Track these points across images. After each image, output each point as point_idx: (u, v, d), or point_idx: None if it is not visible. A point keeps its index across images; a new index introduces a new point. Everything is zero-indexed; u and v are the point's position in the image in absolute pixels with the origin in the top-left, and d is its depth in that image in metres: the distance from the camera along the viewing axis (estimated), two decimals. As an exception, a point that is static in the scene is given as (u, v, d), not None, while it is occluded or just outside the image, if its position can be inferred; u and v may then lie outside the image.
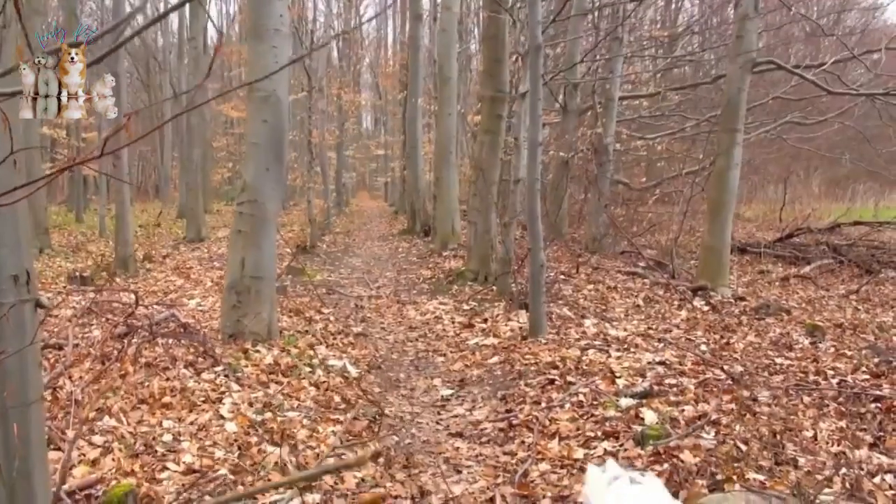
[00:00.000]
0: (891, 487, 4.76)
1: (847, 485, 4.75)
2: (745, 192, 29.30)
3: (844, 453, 5.40)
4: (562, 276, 13.20)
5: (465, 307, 11.31)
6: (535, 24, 8.84)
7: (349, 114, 35.94)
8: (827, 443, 5.65)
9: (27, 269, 2.75)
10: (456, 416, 6.93)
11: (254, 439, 5.75)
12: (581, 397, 6.88)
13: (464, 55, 23.84)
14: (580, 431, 6.18)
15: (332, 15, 33.19)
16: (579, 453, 5.77)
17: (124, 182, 14.21)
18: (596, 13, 17.59)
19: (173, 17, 34.46)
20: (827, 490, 4.61)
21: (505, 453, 5.98)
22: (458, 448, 6.14)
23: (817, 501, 4.38)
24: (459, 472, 5.70)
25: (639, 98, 19.41)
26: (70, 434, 5.67)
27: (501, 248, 12.04)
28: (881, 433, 5.81)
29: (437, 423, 6.84)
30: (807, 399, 6.62)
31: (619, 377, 7.29)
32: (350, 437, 6.14)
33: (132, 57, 39.68)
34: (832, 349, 8.54)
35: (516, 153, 11.64)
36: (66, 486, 4.54)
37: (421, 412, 7.14)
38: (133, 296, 8.75)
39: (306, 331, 9.45)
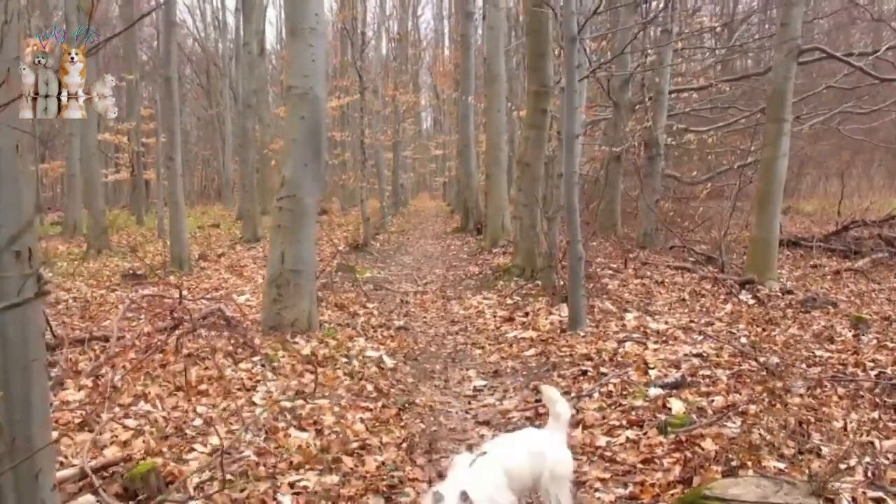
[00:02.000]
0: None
1: (869, 474, 4.68)
2: (805, 188, 28.74)
3: (872, 443, 5.31)
4: (609, 272, 13.14)
5: (509, 302, 11.35)
6: (570, 16, 8.85)
7: (406, 114, 36.16)
8: (856, 433, 5.55)
9: (29, 246, 2.88)
10: (485, 406, 6.98)
11: (281, 424, 5.89)
12: (611, 387, 6.88)
13: (516, 52, 23.82)
14: (605, 420, 6.19)
15: (385, 16, 33.54)
16: (602, 441, 5.79)
17: (177, 170, 14.53)
18: (644, 4, 17.38)
19: (230, 23, 35.14)
20: (847, 479, 4.54)
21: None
22: (483, 435, 6.19)
23: (830, 487, 4.32)
24: (483, 452, 5.75)
25: (690, 91, 19.16)
26: (104, 417, 5.90)
27: (546, 242, 12.03)
28: (915, 423, 5.71)
29: (467, 412, 6.90)
30: (841, 390, 6.51)
31: (653, 368, 7.26)
32: (377, 424, 6.24)
33: (193, 63, 40.57)
34: (875, 341, 8.36)
35: (560, 147, 11.62)
36: (92, 463, 4.72)
37: (452, 401, 7.21)
38: (177, 291, 9.01)
39: (347, 324, 9.60)
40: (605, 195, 18.54)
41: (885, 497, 4.34)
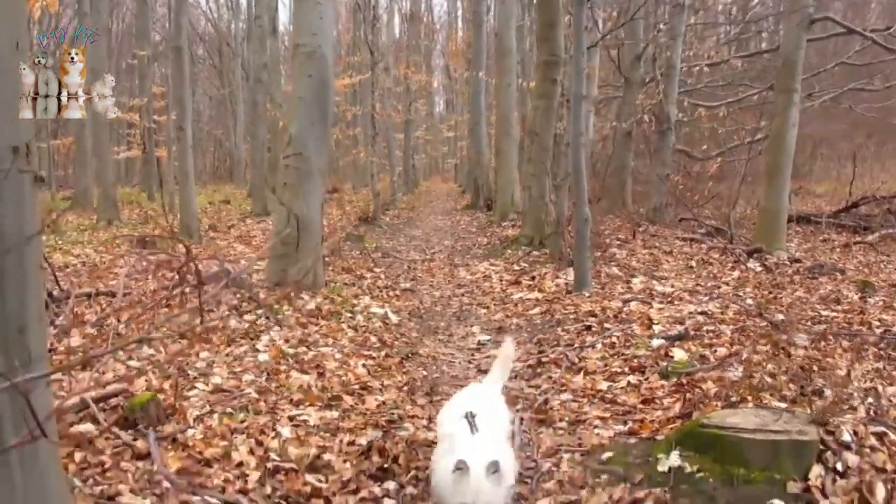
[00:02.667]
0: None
1: (872, 412, 4.66)
2: (817, 171, 28.57)
3: (876, 389, 5.29)
4: (617, 242, 13.11)
5: (515, 268, 11.35)
6: (579, -24, 8.81)
7: (418, 94, 36.10)
8: (860, 380, 5.53)
9: (27, 142, 2.87)
10: (489, 357, 6.98)
11: (283, 367, 5.91)
12: (614, 339, 6.88)
13: (530, 32, 23.72)
14: (607, 367, 6.19)
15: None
16: (603, 385, 5.79)
17: (187, 140, 14.57)
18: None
19: (242, 3, 35.13)
20: (849, 415, 4.53)
21: (530, 386, 6.04)
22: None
23: (831, 421, 4.31)
24: (482, 400, 5.77)
25: (701, 66, 19.05)
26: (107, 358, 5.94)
27: (554, 210, 12.01)
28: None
29: (469, 362, 6.93)
30: (846, 344, 6.48)
31: (657, 324, 7.25)
32: (379, 370, 6.26)
33: (206, 44, 40.62)
34: (881, 303, 8.33)
35: (569, 115, 11.59)
36: (92, 394, 4.75)
37: (455, 353, 7.23)
38: (185, 250, 9.04)
39: (353, 284, 9.62)
40: (615, 172, 18.49)
41: (887, 431, 4.33)
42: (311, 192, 8.72)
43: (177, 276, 8.83)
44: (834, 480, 3.78)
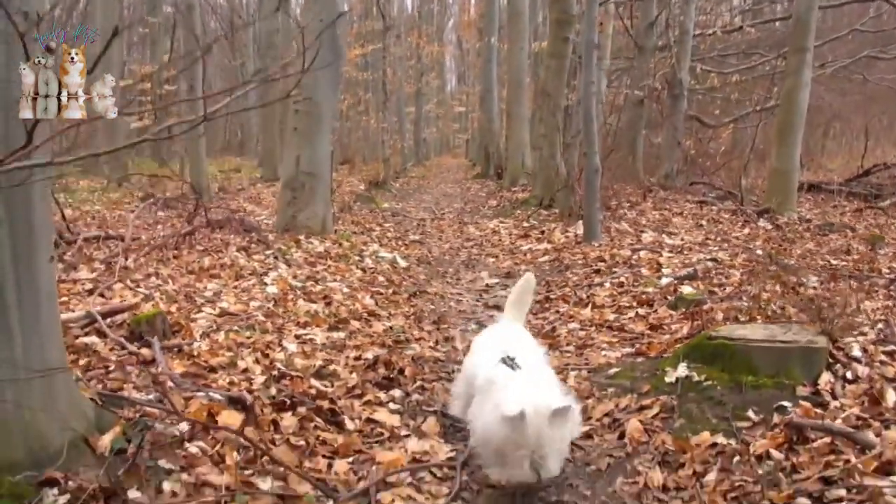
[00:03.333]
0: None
1: (882, 336, 4.61)
2: (829, 146, 28.32)
3: (887, 320, 5.24)
4: (627, 204, 13.03)
5: (525, 224, 11.31)
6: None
7: (429, 67, 35.98)
8: (870, 315, 5.48)
9: (37, 9, 2.82)
10: (496, 297, 6.97)
11: (290, 297, 5.90)
12: (623, 279, 6.85)
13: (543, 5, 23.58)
14: (615, 302, 6.17)
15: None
16: (610, 316, 5.77)
17: (198, 96, 14.48)
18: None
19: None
20: (859, 337, 4.48)
21: (538, 318, 6.01)
22: (492, 315, 6.19)
23: (842, 339, 4.27)
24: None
25: (715, 32, 18.88)
26: (115, 287, 5.94)
27: (565, 167, 11.95)
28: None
29: (477, 300, 6.90)
30: (855, 285, 6.42)
31: (666, 268, 7.21)
32: (388, 303, 6.25)
33: (218, 16, 40.45)
34: (891, 253, 8.26)
35: (581, 75, 11.50)
36: (98, 308, 4.75)
37: (463, 294, 7.22)
38: (195, 196, 9.03)
39: (363, 234, 9.60)
40: (626, 141, 18.37)
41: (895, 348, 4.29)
42: (320, 137, 8.69)
43: (186, 222, 8.86)
44: (843, 386, 3.74)
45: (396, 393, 4.13)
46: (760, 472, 3.06)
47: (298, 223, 8.56)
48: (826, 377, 3.78)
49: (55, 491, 2.61)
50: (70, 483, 2.62)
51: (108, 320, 4.70)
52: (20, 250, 2.77)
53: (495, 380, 3.16)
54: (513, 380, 3.08)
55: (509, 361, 3.20)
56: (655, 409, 3.87)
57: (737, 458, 3.20)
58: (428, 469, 3.28)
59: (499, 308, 6.38)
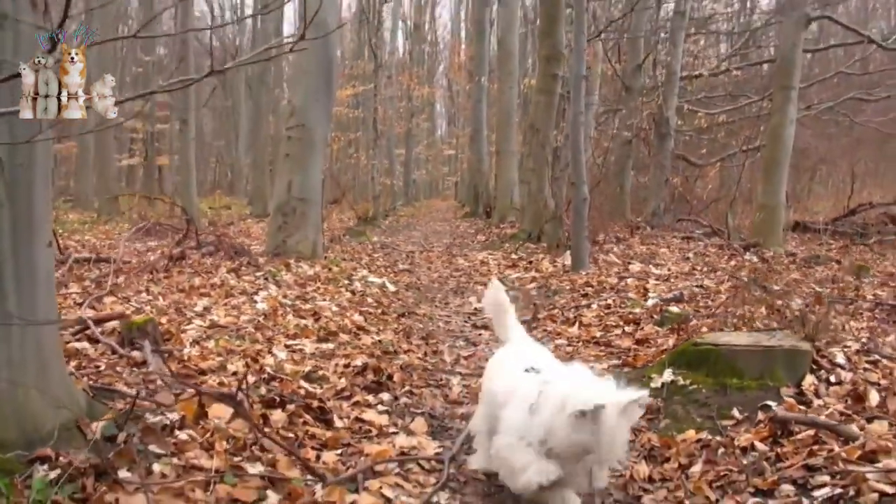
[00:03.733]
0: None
1: (865, 347, 4.67)
2: (816, 190, 28.59)
3: (871, 338, 5.30)
4: (614, 239, 13.13)
5: (513, 256, 11.38)
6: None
7: (420, 110, 36.32)
8: (854, 334, 5.56)
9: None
10: (484, 319, 6.99)
11: (280, 312, 5.93)
12: (609, 301, 6.91)
13: (531, 54, 23.89)
14: (602, 322, 6.22)
15: (403, 14, 33.58)
16: (597, 333, 5.82)
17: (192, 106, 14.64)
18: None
19: (248, 6, 35.43)
20: (845, 346, 4.55)
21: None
22: (480, 334, 6.24)
23: (826, 349, 4.33)
24: (476, 345, 5.81)
25: (702, 75, 19.18)
26: (106, 301, 5.97)
27: (553, 201, 12.06)
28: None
29: (465, 322, 6.94)
30: (840, 307, 6.51)
31: (652, 293, 7.27)
32: (377, 320, 6.28)
33: (211, 56, 40.86)
34: (876, 281, 8.37)
35: (568, 108, 11.66)
36: (90, 314, 4.78)
37: (452, 316, 7.26)
38: (186, 221, 9.09)
39: (352, 260, 9.65)
40: (614, 181, 18.54)
41: (880, 358, 4.35)
42: (312, 163, 8.78)
43: (176, 244, 8.91)
44: (827, 387, 3.80)
45: (385, 396, 4.15)
46: (745, 462, 3.10)
47: (289, 247, 8.61)
48: (810, 379, 3.83)
49: (45, 467, 2.62)
50: (61, 459, 2.63)
51: (100, 328, 4.72)
52: (20, 233, 2.82)
53: (517, 390, 2.80)
54: (558, 376, 2.75)
55: (533, 371, 2.85)
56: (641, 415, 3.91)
57: (721, 451, 3.24)
58: (416, 461, 3.30)
59: (487, 329, 6.44)
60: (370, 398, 4.08)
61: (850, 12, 25.31)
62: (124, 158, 33.23)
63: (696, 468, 3.15)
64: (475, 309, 7.60)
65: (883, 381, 3.89)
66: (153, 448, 2.98)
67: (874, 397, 3.62)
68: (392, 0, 26.33)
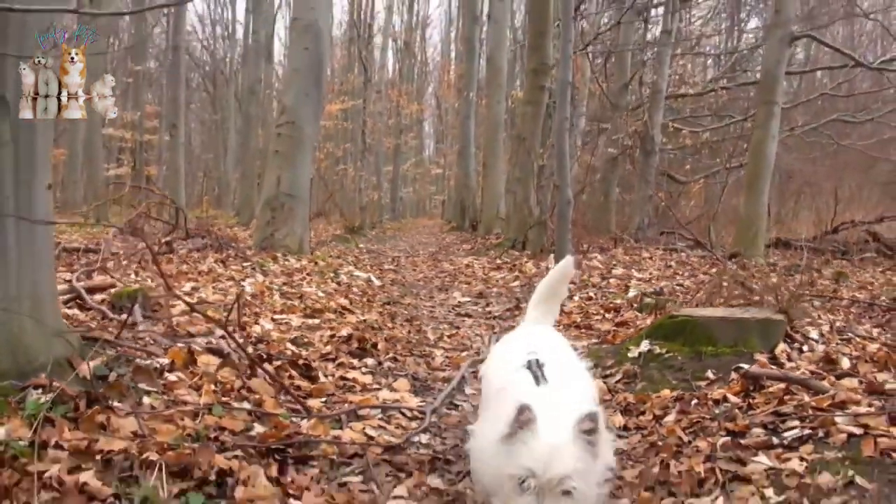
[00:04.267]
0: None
1: (839, 328, 4.79)
2: (800, 214, 28.85)
3: (846, 323, 5.43)
4: (599, 249, 13.26)
5: (498, 261, 11.48)
6: (569, -36, 9.12)
7: (408, 128, 36.55)
8: (830, 318, 5.69)
9: None
10: (468, 310, 7.11)
11: (266, 294, 6.01)
12: (591, 295, 7.03)
13: (520, 74, 24.11)
14: (583, 311, 6.33)
15: (393, 30, 33.90)
16: (578, 319, 5.93)
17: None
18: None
19: (239, 35, 35.67)
20: (819, 324, 4.68)
21: (506, 322, 6.16)
22: (464, 321, 6.34)
23: (799, 324, 4.45)
24: (458, 328, 5.91)
25: (687, 96, 19.46)
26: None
27: (538, 209, 12.19)
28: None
29: (450, 311, 7.03)
30: (817, 303, 6.66)
31: (633, 290, 7.39)
32: (362, 305, 6.37)
33: (200, 69, 41.04)
34: (855, 286, 8.53)
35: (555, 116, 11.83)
36: (81, 284, 4.85)
37: (436, 307, 7.34)
38: (175, 211, 9.16)
39: (339, 258, 9.74)
40: (599, 197, 18.71)
41: (853, 336, 4.48)
42: (301, 160, 8.88)
43: (166, 234, 8.98)
44: (800, 353, 3.92)
45: (369, 361, 4.25)
46: (717, 412, 3.20)
47: (276, 241, 8.69)
48: (783, 347, 3.95)
49: (39, 391, 2.70)
50: (54, 385, 2.71)
51: (90, 298, 4.80)
52: (22, 172, 2.90)
53: (506, 386, 2.36)
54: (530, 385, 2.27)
55: (536, 367, 2.33)
56: (618, 377, 4.03)
57: (695, 402, 3.34)
58: (399, 410, 3.39)
59: (470, 316, 6.54)
60: (355, 362, 4.17)
61: (837, 41, 25.71)
62: (112, 168, 33.24)
63: (670, 417, 3.25)
64: (459, 303, 7.70)
65: (854, 353, 4.02)
66: (143, 386, 3.06)
67: (845, 363, 3.73)
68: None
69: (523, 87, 16.25)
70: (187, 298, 4.28)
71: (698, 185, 18.60)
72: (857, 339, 4.44)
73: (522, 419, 1.97)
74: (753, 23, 25.71)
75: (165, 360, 3.33)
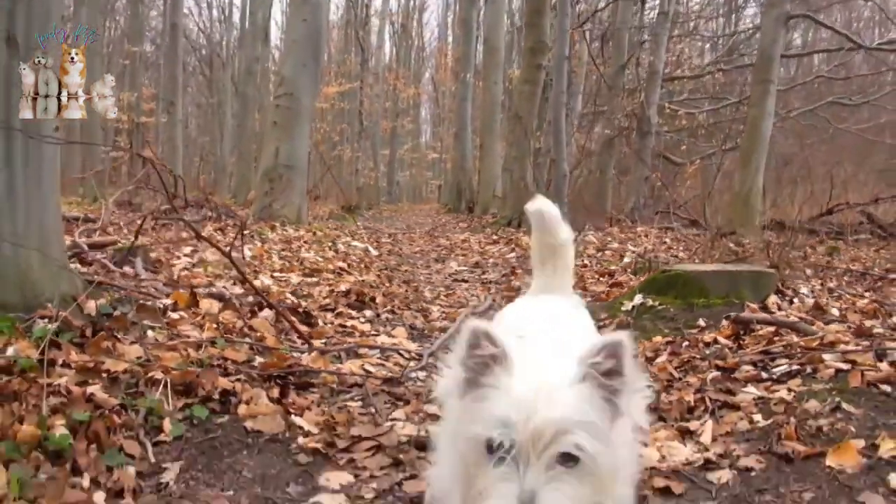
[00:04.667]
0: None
1: (830, 287, 4.87)
2: (798, 198, 28.90)
3: (838, 286, 5.51)
4: (594, 229, 13.33)
5: (494, 237, 11.54)
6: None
7: (405, 113, 36.56)
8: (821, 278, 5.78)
9: None
10: (465, 277, 7.18)
11: (265, 257, 6.07)
12: (586, 261, 7.10)
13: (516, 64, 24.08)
14: (579, 275, 6.38)
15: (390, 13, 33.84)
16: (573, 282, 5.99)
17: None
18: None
19: (236, 6, 35.58)
20: (810, 281, 4.76)
21: (502, 285, 6.22)
22: (460, 285, 6.41)
23: (790, 279, 4.53)
24: (455, 290, 5.99)
25: (684, 79, 19.52)
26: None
27: (535, 186, 12.24)
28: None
29: (446, 278, 7.10)
30: (810, 272, 6.74)
31: (627, 257, 7.47)
32: (359, 269, 6.44)
33: (197, 52, 40.96)
34: (848, 258, 8.63)
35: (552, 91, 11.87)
36: (84, 240, 4.91)
37: (433, 275, 7.40)
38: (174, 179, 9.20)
39: (336, 230, 9.80)
40: (598, 181, 18.75)
41: (843, 294, 4.56)
42: (299, 131, 8.94)
43: (165, 202, 9.02)
44: (790, 304, 3.99)
45: (368, 312, 4.31)
46: (708, 352, 3.28)
47: (274, 212, 8.75)
48: (774, 298, 4.02)
49: (45, 321, 2.76)
50: (61, 314, 2.77)
51: (92, 253, 4.86)
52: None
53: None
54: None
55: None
56: (611, 328, 4.09)
57: (686, 345, 3.42)
58: (397, 351, 3.46)
59: (466, 282, 6.61)
60: (353, 312, 4.24)
61: (836, 26, 25.71)
62: (109, 151, 33.19)
63: (662, 358, 3.33)
64: (455, 271, 7.77)
65: (844, 307, 4.09)
66: (147, 322, 3.12)
67: (835, 312, 3.81)
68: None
69: (520, 66, 16.25)
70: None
71: (694, 166, 18.64)
72: (848, 296, 4.52)
73: (491, 353, 1.33)
74: (751, 10, 25.73)
75: (168, 301, 3.40)
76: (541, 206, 2.33)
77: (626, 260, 6.78)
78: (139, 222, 7.29)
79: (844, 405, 2.50)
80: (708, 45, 22.74)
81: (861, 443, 2.22)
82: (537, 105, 13.37)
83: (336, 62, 30.51)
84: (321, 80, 10.49)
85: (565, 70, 9.44)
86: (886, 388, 2.63)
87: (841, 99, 18.28)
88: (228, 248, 3.94)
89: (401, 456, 2.26)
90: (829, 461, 2.12)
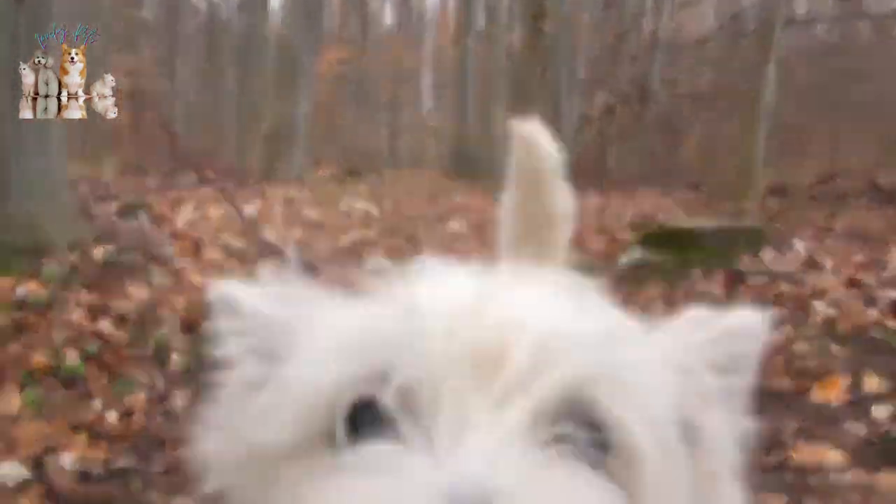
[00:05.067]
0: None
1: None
2: (795, 171, 28.85)
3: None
4: (594, 194, 13.36)
5: (494, 202, 11.59)
6: None
7: (407, 77, 36.29)
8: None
9: None
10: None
11: (268, 213, 6.14)
12: (586, 220, 7.15)
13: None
14: (577, 232, 6.45)
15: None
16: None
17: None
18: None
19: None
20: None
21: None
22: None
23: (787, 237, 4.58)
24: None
25: (687, 46, 19.39)
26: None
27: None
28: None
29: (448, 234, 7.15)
30: (809, 231, 6.78)
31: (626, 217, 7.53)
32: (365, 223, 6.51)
33: (196, 18, 40.68)
34: (848, 220, 8.69)
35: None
36: (90, 196, 4.98)
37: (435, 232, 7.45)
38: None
39: (337, 189, 9.86)
40: (596, 146, 18.71)
41: (837, 251, 4.62)
42: (300, 95, 8.96)
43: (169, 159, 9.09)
44: (784, 257, 4.05)
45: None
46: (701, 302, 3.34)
47: (277, 171, 8.80)
48: (769, 253, 4.08)
49: (54, 263, 2.83)
50: (71, 256, 2.84)
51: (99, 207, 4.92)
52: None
53: None
54: None
55: None
56: (606, 281, 4.15)
57: (681, 297, 3.48)
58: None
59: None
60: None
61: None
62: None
63: (655, 309, 3.39)
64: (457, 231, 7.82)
65: (838, 261, 4.15)
66: (154, 270, 3.19)
67: (828, 264, 3.88)
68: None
69: (522, 32, 16.19)
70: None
71: (696, 134, 18.61)
72: (842, 255, 4.58)
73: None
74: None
75: (173, 250, 3.47)
76: (532, 132, 1.28)
77: (625, 220, 6.82)
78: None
79: (833, 346, 2.57)
80: (711, 12, 22.58)
81: (847, 381, 2.29)
82: (539, 70, 13.35)
83: (337, 26, 30.27)
84: (322, 43, 10.43)
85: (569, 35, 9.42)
86: (875, 334, 2.70)
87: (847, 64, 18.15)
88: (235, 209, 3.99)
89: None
90: (815, 395, 2.20)
